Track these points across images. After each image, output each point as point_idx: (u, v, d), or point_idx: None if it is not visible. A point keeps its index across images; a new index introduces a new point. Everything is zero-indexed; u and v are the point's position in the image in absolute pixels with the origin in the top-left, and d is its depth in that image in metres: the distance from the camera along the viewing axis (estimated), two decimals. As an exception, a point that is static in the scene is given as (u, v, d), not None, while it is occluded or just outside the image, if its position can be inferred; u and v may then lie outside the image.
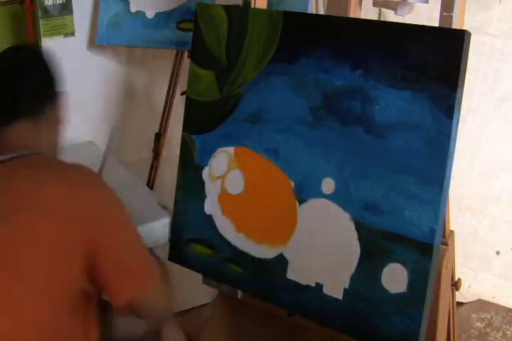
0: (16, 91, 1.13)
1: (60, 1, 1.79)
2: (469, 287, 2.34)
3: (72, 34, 1.85)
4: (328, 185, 1.21)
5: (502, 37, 2.03)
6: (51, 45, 1.78)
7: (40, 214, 1.04)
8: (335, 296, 1.21)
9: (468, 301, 2.36)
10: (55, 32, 1.81)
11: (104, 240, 1.08)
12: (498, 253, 2.27)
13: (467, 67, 1.08)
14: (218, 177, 1.38)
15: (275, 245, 1.29)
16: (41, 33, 1.77)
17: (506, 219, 2.24)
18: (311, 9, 1.75)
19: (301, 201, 1.25)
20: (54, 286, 1.05)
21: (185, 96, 1.44)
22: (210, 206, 1.39)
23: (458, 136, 1.09)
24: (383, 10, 1.87)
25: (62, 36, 1.83)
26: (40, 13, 1.75)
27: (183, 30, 1.83)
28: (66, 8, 1.81)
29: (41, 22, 1.76)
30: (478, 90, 2.11)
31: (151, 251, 1.26)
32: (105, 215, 1.09)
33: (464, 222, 2.24)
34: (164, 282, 1.19)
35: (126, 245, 1.12)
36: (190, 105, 1.42)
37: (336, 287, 1.21)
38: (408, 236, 1.12)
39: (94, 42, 1.90)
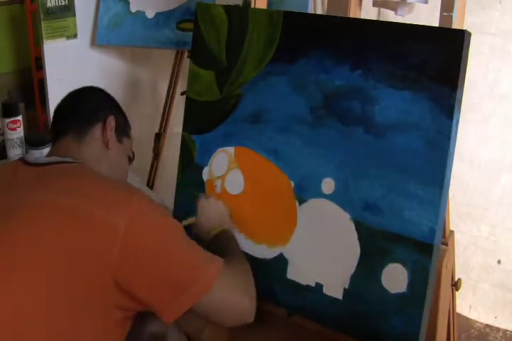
0: (66, 113, 1.33)
1: (63, 3, 1.79)
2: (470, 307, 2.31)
3: (75, 36, 1.84)
4: (328, 185, 1.21)
5: (502, 36, 2.03)
6: (53, 47, 1.79)
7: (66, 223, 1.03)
8: (335, 296, 1.21)
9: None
10: (57, 34, 1.80)
11: (139, 252, 1.03)
12: (499, 262, 2.25)
13: (467, 67, 1.08)
14: (218, 177, 1.38)
15: (275, 245, 1.29)
16: (43, 36, 1.76)
17: (507, 226, 2.20)
18: (311, 9, 1.75)
19: (301, 201, 1.25)
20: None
21: (185, 96, 1.44)
22: (210, 206, 1.39)
23: (457, 137, 1.10)
24: (383, 10, 1.87)
25: (64, 38, 1.82)
26: (42, 15, 1.75)
27: (183, 30, 1.83)
28: (68, 9, 1.80)
29: (43, 24, 1.75)
30: (478, 90, 2.11)
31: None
32: (139, 245, 1.04)
33: (464, 230, 2.23)
34: (234, 271, 1.12)
35: (165, 257, 1.06)
36: (190, 105, 1.42)
37: (335, 287, 1.21)
38: (408, 236, 1.12)
39: (97, 45, 1.90)
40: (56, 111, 1.34)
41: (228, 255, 1.16)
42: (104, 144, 1.28)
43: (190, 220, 1.33)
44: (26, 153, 1.77)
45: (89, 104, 1.32)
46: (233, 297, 1.10)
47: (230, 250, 1.22)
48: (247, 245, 1.33)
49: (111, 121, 1.29)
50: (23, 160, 1.21)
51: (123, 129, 1.34)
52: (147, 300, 1.05)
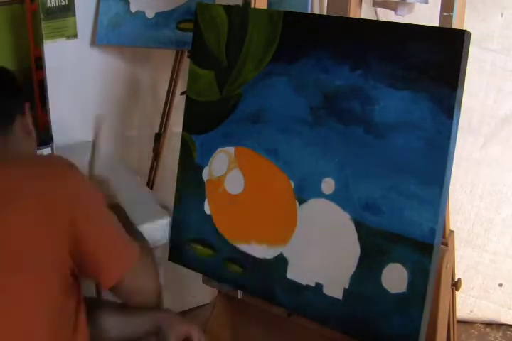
0: None
1: (63, 3, 1.78)
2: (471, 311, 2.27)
3: (75, 36, 1.84)
4: (328, 185, 1.21)
5: (504, 53, 1.92)
6: (53, 47, 1.79)
7: (24, 204, 1.06)
8: (335, 296, 1.21)
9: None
10: (57, 34, 1.80)
11: (84, 223, 1.09)
12: (501, 285, 2.21)
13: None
14: (218, 177, 1.38)
15: (275, 245, 1.29)
16: (43, 36, 1.76)
17: (509, 253, 2.12)
18: (311, 9, 1.75)
19: (301, 201, 1.25)
20: (44, 268, 1.06)
21: (185, 96, 1.44)
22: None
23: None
24: (383, 10, 1.87)
25: (64, 38, 1.82)
26: (42, 15, 1.74)
27: (183, 30, 1.83)
28: (68, 9, 1.80)
29: (43, 24, 1.75)
30: (479, 111, 1.99)
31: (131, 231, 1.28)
32: (82, 202, 1.10)
33: (464, 255, 2.14)
34: (149, 261, 1.21)
35: (105, 226, 1.15)
36: (190, 105, 1.42)
37: (335, 287, 1.21)
38: (408, 236, 1.12)
39: (97, 45, 1.90)
40: None
41: None
42: (26, 134, 1.20)
43: None
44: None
45: (4, 98, 1.19)
46: (149, 273, 1.20)
47: None
48: (247, 245, 1.33)
49: (27, 108, 1.20)
50: None
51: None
52: (93, 257, 1.11)
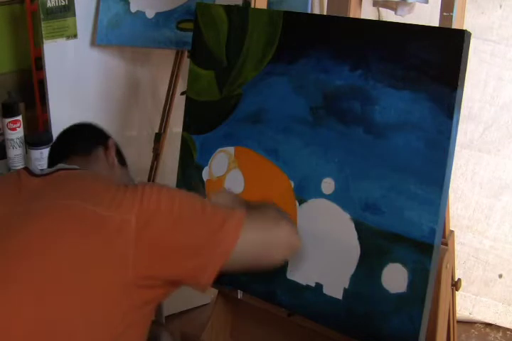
0: (68, 139, 1.37)
1: (63, 3, 1.78)
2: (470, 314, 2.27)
3: (75, 36, 1.84)
4: (328, 185, 1.21)
5: (503, 43, 1.97)
6: (53, 47, 1.78)
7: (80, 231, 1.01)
8: (335, 296, 1.21)
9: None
10: (57, 34, 1.80)
11: (151, 238, 1.01)
12: (500, 276, 2.21)
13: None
14: (218, 177, 1.38)
15: (275, 245, 1.29)
16: (43, 36, 1.76)
17: (509, 240, 2.13)
18: (311, 9, 1.75)
19: (301, 201, 1.25)
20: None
21: (185, 96, 1.44)
22: (210, 206, 1.38)
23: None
24: (383, 10, 1.87)
25: (64, 38, 1.82)
26: (42, 15, 1.74)
27: (183, 30, 1.83)
28: (68, 9, 1.80)
29: (43, 24, 1.75)
30: (479, 99, 2.03)
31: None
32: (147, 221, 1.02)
33: (464, 242, 2.16)
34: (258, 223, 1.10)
35: (177, 229, 1.04)
36: (190, 105, 1.42)
37: (335, 287, 1.21)
38: (408, 236, 1.12)
39: (97, 45, 1.90)
40: (54, 143, 1.38)
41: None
42: (109, 164, 1.29)
43: None
44: (26, 153, 1.77)
45: (87, 132, 1.36)
46: (264, 235, 1.09)
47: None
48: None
49: (112, 143, 1.31)
50: (27, 170, 1.16)
51: (121, 157, 1.37)
52: (178, 278, 1.04)
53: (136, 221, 1.00)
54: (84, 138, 1.34)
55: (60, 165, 1.18)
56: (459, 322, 2.07)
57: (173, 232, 1.03)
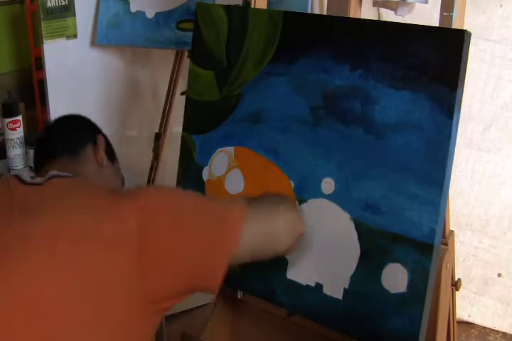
0: (54, 137, 1.31)
1: (63, 3, 1.79)
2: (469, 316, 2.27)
3: (75, 36, 1.84)
4: (328, 185, 1.21)
5: (503, 43, 1.97)
6: (53, 47, 1.79)
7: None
8: (335, 296, 1.21)
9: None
10: (57, 34, 1.80)
11: (154, 251, 0.99)
12: (499, 275, 2.22)
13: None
14: (218, 177, 1.38)
15: (275, 245, 1.29)
16: (43, 36, 1.76)
17: (508, 239, 2.14)
18: (311, 9, 1.75)
19: (301, 201, 1.25)
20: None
21: (185, 96, 1.44)
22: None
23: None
24: (383, 10, 1.87)
25: (64, 38, 1.82)
26: (42, 15, 1.75)
27: (183, 30, 1.83)
28: (68, 9, 1.80)
29: (43, 24, 1.75)
30: (479, 98, 2.04)
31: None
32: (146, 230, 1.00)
33: (464, 240, 2.18)
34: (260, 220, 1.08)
35: (180, 242, 1.01)
36: (190, 105, 1.42)
37: (335, 287, 1.21)
38: (408, 236, 1.12)
39: (97, 45, 1.90)
40: (39, 140, 1.32)
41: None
42: (98, 163, 1.26)
43: None
44: (26, 153, 1.77)
45: (74, 128, 1.32)
46: (265, 226, 1.08)
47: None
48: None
49: (101, 140, 1.29)
50: (18, 178, 1.11)
51: (111, 152, 1.34)
52: (190, 287, 1.03)
53: (138, 234, 0.98)
54: (71, 137, 1.28)
55: (53, 173, 1.13)
56: (459, 322, 2.08)
57: (177, 241, 1.01)
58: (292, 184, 1.26)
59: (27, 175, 1.13)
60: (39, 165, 1.27)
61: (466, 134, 2.05)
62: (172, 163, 1.58)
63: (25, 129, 1.78)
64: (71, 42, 1.84)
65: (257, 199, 1.13)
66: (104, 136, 1.33)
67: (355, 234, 1.18)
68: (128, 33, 1.86)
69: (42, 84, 1.85)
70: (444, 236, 1.23)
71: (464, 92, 1.08)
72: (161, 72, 2.05)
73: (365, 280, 1.17)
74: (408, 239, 1.12)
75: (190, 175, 1.42)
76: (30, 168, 1.76)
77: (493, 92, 2.04)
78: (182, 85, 1.96)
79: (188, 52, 1.69)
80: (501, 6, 1.96)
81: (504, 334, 2.24)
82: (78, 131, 1.31)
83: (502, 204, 2.11)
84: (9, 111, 1.75)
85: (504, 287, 2.18)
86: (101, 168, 1.27)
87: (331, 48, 1.20)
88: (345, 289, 1.20)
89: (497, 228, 2.14)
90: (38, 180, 1.11)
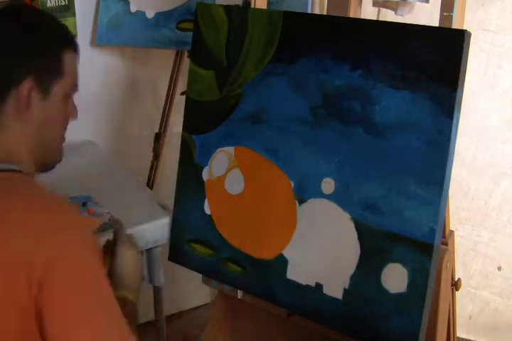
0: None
1: (63, 3, 1.79)
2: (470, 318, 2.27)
3: (75, 36, 1.85)
4: (328, 185, 1.21)
5: (502, 33, 2.00)
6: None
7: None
8: (335, 296, 1.21)
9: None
10: (56, 34, 1.80)
11: (54, 299, 0.86)
12: (499, 269, 2.22)
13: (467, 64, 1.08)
14: (218, 177, 1.38)
15: (275, 245, 1.29)
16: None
17: (508, 231, 2.16)
18: (311, 9, 1.76)
19: (301, 201, 1.25)
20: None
21: (185, 96, 1.44)
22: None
23: (457, 138, 1.09)
24: (383, 10, 1.87)
25: (64, 38, 1.82)
26: (41, 15, 1.75)
27: (183, 30, 1.83)
28: (68, 9, 1.80)
29: (42, 23, 1.76)
30: (478, 87, 2.09)
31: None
32: (60, 273, 0.87)
33: (463, 235, 2.20)
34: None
35: (84, 310, 0.88)
36: (190, 105, 1.42)
37: (335, 287, 1.21)
38: (408, 236, 1.12)
39: (97, 45, 1.90)
40: None
41: None
42: (23, 107, 1.00)
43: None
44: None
45: (4, 49, 1.00)
46: None
47: None
48: (247, 245, 1.33)
49: (28, 88, 1.00)
50: None
51: (48, 73, 1.03)
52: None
53: (43, 268, 0.85)
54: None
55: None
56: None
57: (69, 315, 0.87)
58: (292, 184, 1.26)
59: None
60: None
61: (466, 124, 2.07)
62: (172, 163, 1.58)
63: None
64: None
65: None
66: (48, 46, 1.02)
67: (355, 234, 1.18)
68: (128, 33, 1.86)
69: (42, 84, 1.85)
70: (444, 236, 1.23)
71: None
72: (161, 72, 2.06)
73: (365, 280, 1.17)
74: (408, 238, 1.12)
75: (190, 175, 1.42)
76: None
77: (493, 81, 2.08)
78: (182, 85, 1.96)
79: (188, 52, 1.69)
80: None
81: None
82: (6, 62, 0.99)
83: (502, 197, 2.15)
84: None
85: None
86: (27, 113, 1.01)
87: (331, 48, 1.20)
88: (345, 289, 1.20)
89: (497, 221, 2.17)
90: None
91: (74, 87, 1.08)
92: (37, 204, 0.93)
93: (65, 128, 1.10)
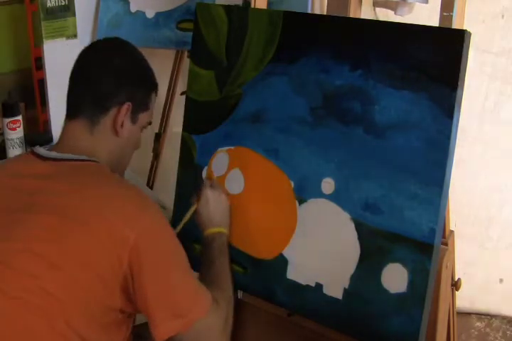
0: (88, 84, 1.26)
1: (63, 3, 1.79)
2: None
3: (75, 36, 1.85)
4: (328, 185, 1.21)
5: (505, 56, 1.93)
6: (53, 47, 1.79)
7: (82, 225, 1.07)
8: (335, 296, 1.21)
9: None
10: (57, 34, 1.80)
11: (143, 271, 1.07)
12: (501, 281, 2.21)
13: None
14: (218, 177, 1.38)
15: (275, 245, 1.29)
16: (43, 36, 1.77)
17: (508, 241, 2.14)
18: (311, 9, 1.75)
19: (301, 201, 1.25)
20: (90, 300, 1.06)
21: (185, 96, 1.44)
22: (210, 206, 1.38)
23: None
24: (383, 10, 1.87)
25: (64, 38, 1.82)
26: (42, 15, 1.75)
27: (183, 30, 1.83)
28: (68, 9, 1.81)
29: (43, 24, 1.76)
30: (479, 114, 2.01)
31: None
32: (146, 250, 1.08)
33: (464, 248, 2.17)
34: (220, 319, 1.16)
35: (168, 278, 1.11)
36: (190, 105, 1.42)
37: (335, 287, 1.21)
38: (408, 236, 1.12)
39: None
40: (76, 71, 1.30)
41: (216, 277, 1.25)
42: (114, 132, 1.23)
43: (191, 209, 1.35)
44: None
45: (112, 75, 1.24)
46: (213, 333, 1.15)
47: (219, 269, 1.27)
48: (247, 245, 1.32)
49: (126, 109, 1.23)
50: (34, 153, 1.19)
51: (140, 105, 1.27)
52: (145, 312, 1.09)
53: (135, 241, 1.06)
54: (102, 91, 1.22)
55: (66, 155, 1.17)
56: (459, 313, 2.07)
57: (159, 274, 1.10)
58: (292, 184, 1.26)
59: (42, 150, 1.19)
60: (67, 114, 1.25)
61: (464, 129, 2.05)
62: (172, 163, 1.58)
63: (25, 129, 1.78)
64: (71, 42, 1.84)
65: (220, 302, 1.18)
66: (145, 78, 1.30)
67: (355, 234, 1.18)
68: (128, 33, 1.86)
69: (42, 84, 1.86)
70: (444, 236, 1.23)
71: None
72: (161, 72, 2.05)
73: (365, 280, 1.17)
74: (408, 239, 1.12)
75: (190, 175, 1.42)
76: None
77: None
78: (182, 85, 1.96)
79: (188, 52, 1.69)
80: (503, 16, 1.92)
81: (504, 334, 2.24)
82: (112, 83, 1.23)
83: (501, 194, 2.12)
84: (9, 111, 1.75)
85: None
86: (116, 138, 1.24)
87: (331, 48, 1.20)
88: (345, 289, 1.20)
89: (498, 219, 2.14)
90: (53, 155, 1.18)
91: (149, 123, 1.33)
92: (123, 186, 1.17)
93: (133, 153, 1.33)
